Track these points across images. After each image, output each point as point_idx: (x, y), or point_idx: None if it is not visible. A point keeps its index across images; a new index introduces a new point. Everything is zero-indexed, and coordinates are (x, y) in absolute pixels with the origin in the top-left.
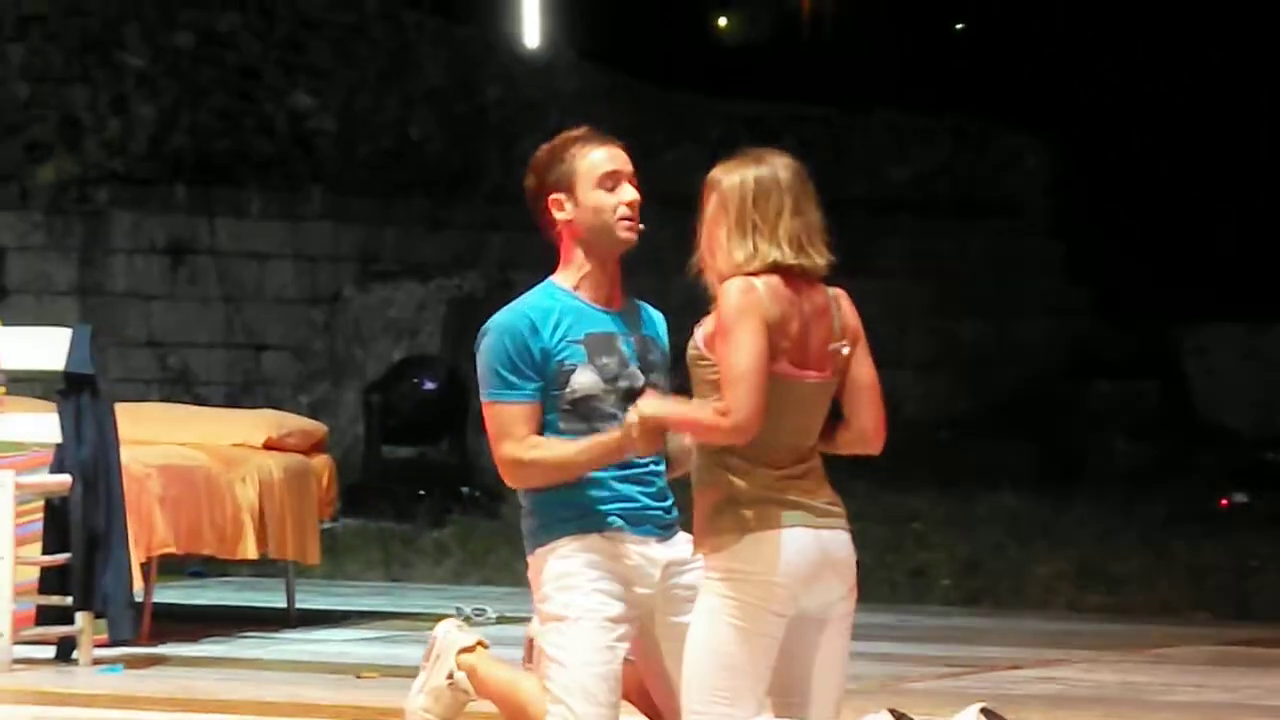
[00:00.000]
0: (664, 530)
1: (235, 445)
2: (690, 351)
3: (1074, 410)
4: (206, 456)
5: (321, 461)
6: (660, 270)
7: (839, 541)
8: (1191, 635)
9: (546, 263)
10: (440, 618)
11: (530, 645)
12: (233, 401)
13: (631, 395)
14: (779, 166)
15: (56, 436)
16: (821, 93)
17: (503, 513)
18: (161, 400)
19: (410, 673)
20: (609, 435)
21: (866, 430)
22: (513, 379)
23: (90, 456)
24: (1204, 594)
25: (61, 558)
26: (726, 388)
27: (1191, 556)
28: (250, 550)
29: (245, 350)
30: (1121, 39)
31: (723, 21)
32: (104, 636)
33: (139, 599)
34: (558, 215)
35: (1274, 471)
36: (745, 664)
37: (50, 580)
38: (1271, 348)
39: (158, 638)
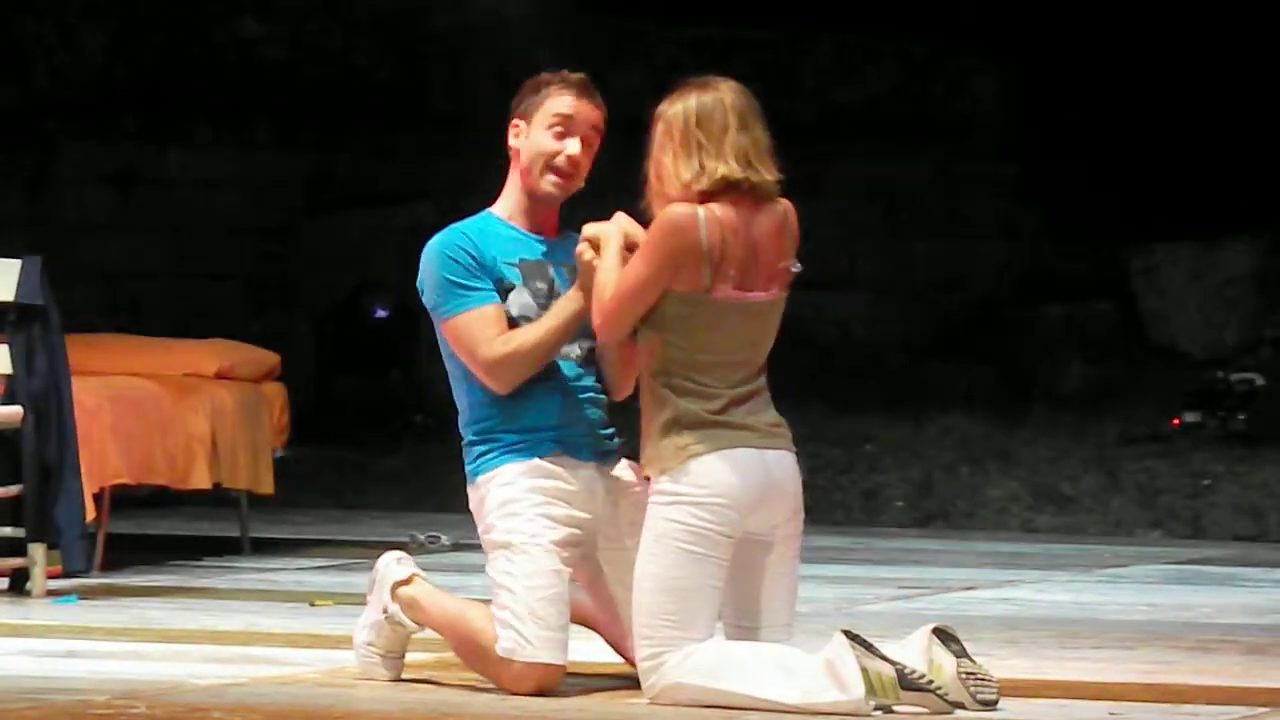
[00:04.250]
0: (604, 456)
1: (187, 375)
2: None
3: (1026, 332)
4: (158, 387)
5: (274, 390)
6: (602, 196)
7: (784, 463)
8: (1144, 555)
9: (496, 190)
10: (394, 545)
11: None
12: (184, 331)
13: None
14: (724, 90)
15: (7, 368)
16: (769, 16)
17: (455, 440)
18: (112, 331)
19: (364, 600)
20: (567, 293)
21: None
22: (468, 284)
23: (42, 388)
24: (1156, 513)
25: (13, 489)
26: (614, 295)
27: (1144, 476)
28: (203, 480)
29: (196, 279)
30: None
31: None
32: (58, 568)
33: (92, 530)
34: (511, 140)
35: (1225, 391)
36: (693, 587)
37: (2, 512)
38: (1220, 266)
39: (111, 568)
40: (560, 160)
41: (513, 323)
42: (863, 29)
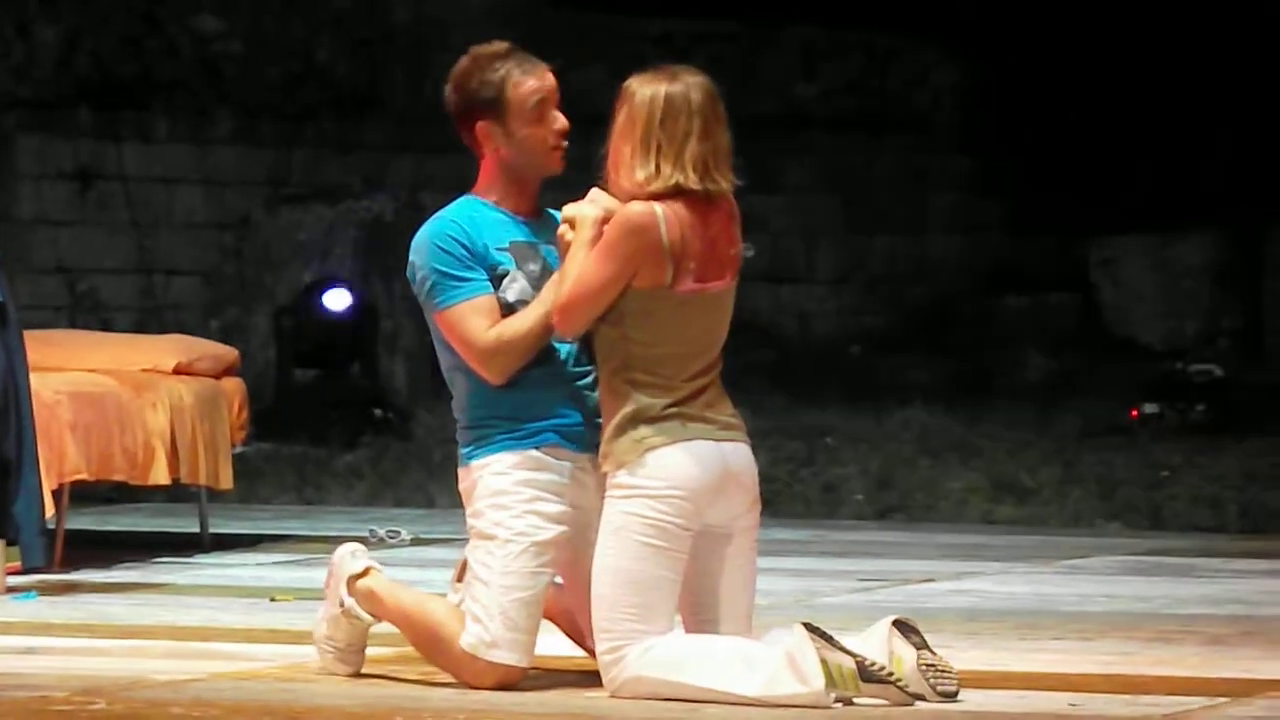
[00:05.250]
0: (599, 447)
1: (145, 371)
2: None
3: (985, 325)
4: (116, 382)
5: (233, 386)
6: (567, 188)
7: (740, 454)
8: (1103, 546)
9: (455, 183)
10: (354, 540)
11: (462, 566)
12: (142, 327)
13: None
14: (692, 86)
15: None
16: (730, 9)
17: (415, 434)
18: (70, 326)
19: (323, 595)
20: (553, 277)
21: None
22: (462, 275)
23: None
24: (1115, 505)
25: None
26: (572, 290)
27: (1103, 468)
28: (162, 476)
29: (154, 275)
30: None
31: None
32: (17, 564)
33: (51, 526)
34: (486, 145)
35: (1184, 382)
36: (653, 580)
37: None
38: (1179, 258)
39: (71, 564)
40: (556, 139)
41: (511, 309)
42: (823, 23)
